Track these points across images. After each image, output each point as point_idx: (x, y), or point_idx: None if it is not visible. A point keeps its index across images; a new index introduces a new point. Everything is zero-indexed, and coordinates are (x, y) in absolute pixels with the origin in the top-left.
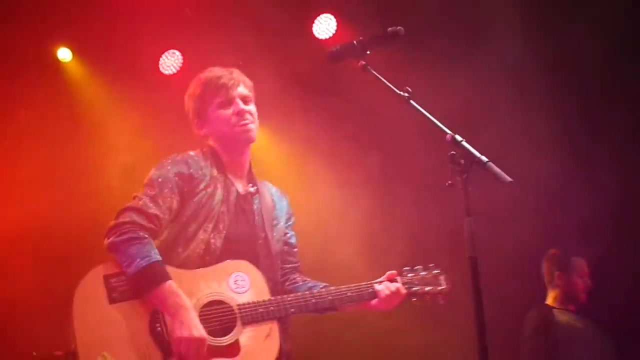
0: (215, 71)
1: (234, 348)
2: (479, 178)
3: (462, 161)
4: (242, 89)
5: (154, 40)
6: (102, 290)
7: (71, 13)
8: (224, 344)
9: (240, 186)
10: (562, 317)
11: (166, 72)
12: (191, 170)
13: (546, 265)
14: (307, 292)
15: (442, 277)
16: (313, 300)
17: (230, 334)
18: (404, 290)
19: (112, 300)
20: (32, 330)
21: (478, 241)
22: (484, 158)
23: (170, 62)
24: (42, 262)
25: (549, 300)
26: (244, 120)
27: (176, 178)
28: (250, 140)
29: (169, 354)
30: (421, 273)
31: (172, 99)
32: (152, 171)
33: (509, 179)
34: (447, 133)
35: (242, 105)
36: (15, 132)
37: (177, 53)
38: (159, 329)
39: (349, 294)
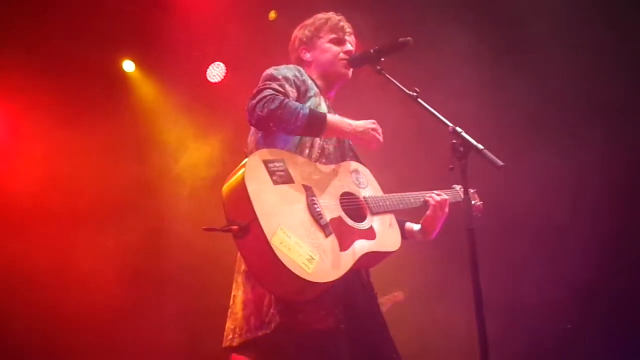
0: (335, 15)
1: (371, 232)
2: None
3: (462, 148)
4: (352, 40)
5: (202, 53)
6: (265, 173)
7: (135, 33)
8: (364, 228)
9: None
10: None
11: (212, 81)
12: (303, 77)
13: None
14: (404, 193)
15: (476, 194)
16: (412, 199)
17: (366, 220)
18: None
19: (274, 183)
20: None
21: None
22: (480, 145)
23: (216, 72)
24: None
25: None
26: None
27: (294, 78)
28: (346, 78)
29: (329, 232)
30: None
31: (217, 102)
32: (270, 70)
33: (501, 163)
34: (449, 125)
35: (350, 48)
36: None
37: (222, 64)
38: (317, 209)
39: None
